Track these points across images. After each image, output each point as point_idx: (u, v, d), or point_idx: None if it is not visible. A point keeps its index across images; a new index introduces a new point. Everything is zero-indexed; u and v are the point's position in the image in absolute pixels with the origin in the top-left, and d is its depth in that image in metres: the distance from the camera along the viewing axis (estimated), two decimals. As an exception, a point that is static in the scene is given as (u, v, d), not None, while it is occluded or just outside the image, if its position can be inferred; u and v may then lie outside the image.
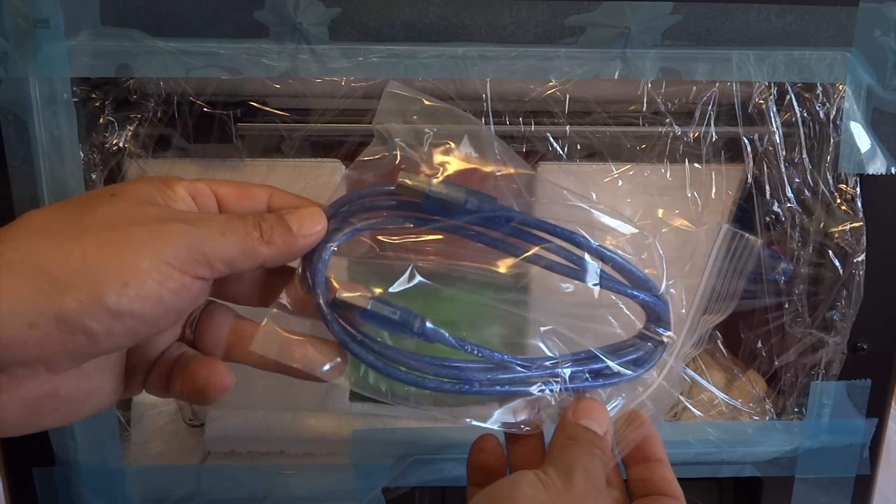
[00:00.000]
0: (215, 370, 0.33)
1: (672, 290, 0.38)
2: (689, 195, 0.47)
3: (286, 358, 0.34)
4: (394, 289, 0.35)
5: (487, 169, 0.36)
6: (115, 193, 0.30)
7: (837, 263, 0.46)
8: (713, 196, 0.47)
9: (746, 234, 0.38)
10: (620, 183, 0.47)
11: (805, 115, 0.44)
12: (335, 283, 0.34)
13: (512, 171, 0.37)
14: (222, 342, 0.35)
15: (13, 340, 0.25)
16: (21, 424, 0.29)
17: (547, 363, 0.36)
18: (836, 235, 0.46)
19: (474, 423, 0.36)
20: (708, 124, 0.44)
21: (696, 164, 0.46)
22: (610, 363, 0.36)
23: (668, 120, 0.45)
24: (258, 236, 0.31)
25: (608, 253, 0.35)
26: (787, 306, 0.48)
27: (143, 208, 0.29)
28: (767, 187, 0.46)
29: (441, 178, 0.35)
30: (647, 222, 0.40)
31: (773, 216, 0.46)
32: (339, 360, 0.35)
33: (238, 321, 0.36)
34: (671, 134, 0.45)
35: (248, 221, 0.31)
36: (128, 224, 0.28)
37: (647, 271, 0.37)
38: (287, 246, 0.32)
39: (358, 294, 0.33)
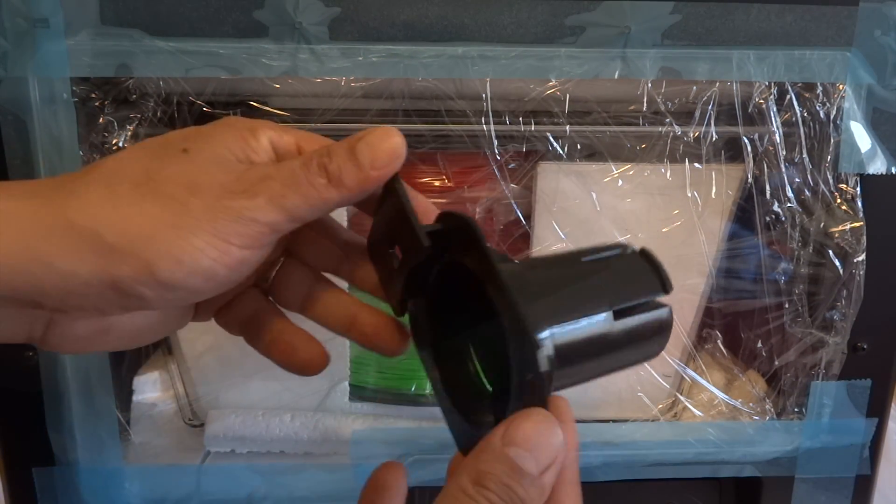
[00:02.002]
0: (317, 353, 0.34)
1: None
2: (689, 195, 0.47)
3: None
4: None
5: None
6: (189, 149, 0.29)
7: (837, 263, 0.46)
8: (713, 196, 0.47)
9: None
10: (620, 183, 0.47)
11: (805, 114, 0.44)
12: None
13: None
14: (298, 300, 0.35)
15: (70, 292, 0.27)
16: (75, 350, 0.31)
17: None
18: (836, 235, 0.46)
19: None
20: (708, 124, 0.44)
21: (696, 164, 0.46)
22: None
23: (668, 120, 0.45)
24: (325, 182, 0.29)
25: None
26: (787, 306, 0.48)
27: (210, 173, 0.29)
28: (767, 187, 0.46)
29: None
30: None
31: (773, 216, 0.46)
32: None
33: (315, 283, 0.35)
34: (671, 134, 0.45)
35: (313, 167, 0.29)
36: (189, 195, 0.28)
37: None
38: (360, 185, 0.29)
39: None
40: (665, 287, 0.30)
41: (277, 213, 0.28)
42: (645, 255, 0.31)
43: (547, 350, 0.25)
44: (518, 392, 0.26)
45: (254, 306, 0.35)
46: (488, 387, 0.32)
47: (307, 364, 0.34)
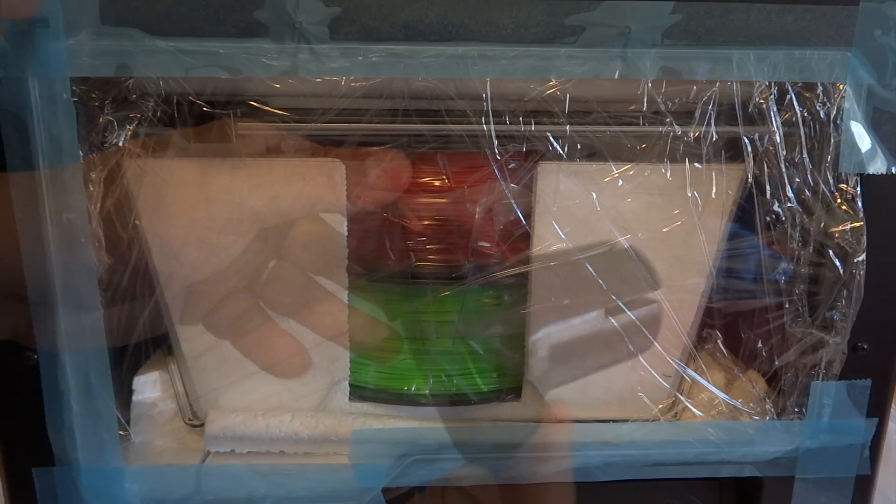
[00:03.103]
0: (298, 356, 0.36)
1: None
2: (690, 195, 0.47)
3: None
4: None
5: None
6: None
7: (837, 263, 0.46)
8: (713, 196, 0.47)
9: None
10: (620, 183, 0.47)
11: (805, 114, 0.44)
12: None
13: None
14: (288, 304, 0.37)
15: None
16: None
17: None
18: (837, 235, 0.46)
19: None
20: (708, 124, 0.44)
21: (697, 164, 0.46)
22: None
23: (668, 120, 0.45)
24: None
25: None
26: (787, 306, 0.48)
27: None
28: (768, 187, 0.46)
29: None
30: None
31: (774, 216, 0.46)
32: None
33: (306, 287, 0.36)
34: (671, 134, 0.45)
35: None
36: None
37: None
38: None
39: None
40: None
41: None
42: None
43: None
44: None
45: (241, 308, 0.35)
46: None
47: (288, 368, 0.34)
